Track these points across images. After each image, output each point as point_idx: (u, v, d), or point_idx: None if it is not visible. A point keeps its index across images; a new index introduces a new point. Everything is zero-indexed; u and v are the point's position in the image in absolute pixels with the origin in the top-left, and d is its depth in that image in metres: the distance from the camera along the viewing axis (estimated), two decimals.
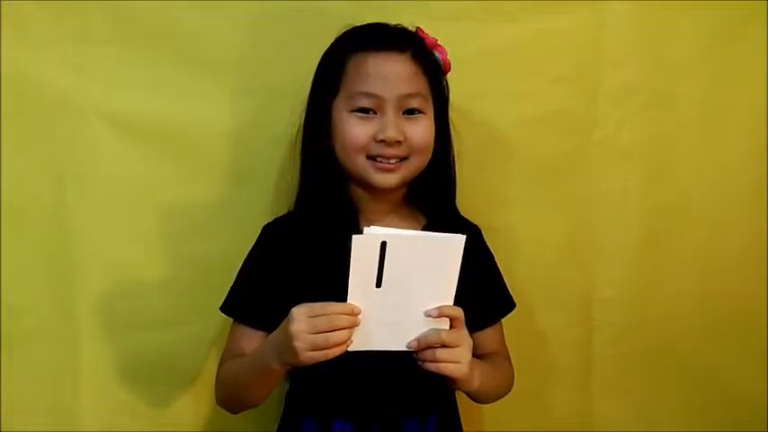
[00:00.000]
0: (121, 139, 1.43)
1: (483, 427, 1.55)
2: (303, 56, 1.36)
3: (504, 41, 1.52)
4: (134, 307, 1.46)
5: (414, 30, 1.32)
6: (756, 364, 1.65)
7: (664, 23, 1.55)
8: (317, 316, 1.06)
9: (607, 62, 1.55)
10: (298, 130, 1.34)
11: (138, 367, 1.47)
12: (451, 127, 1.35)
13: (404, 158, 1.25)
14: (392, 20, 1.32)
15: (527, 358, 1.43)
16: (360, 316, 1.08)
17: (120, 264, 1.45)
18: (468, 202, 1.41)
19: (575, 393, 1.61)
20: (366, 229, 1.06)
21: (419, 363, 1.13)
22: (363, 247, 1.05)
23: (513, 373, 1.38)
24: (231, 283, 1.32)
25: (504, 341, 1.40)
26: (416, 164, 1.27)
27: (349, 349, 1.10)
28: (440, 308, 1.11)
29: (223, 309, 1.32)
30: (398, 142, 1.23)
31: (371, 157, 1.25)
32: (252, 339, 1.25)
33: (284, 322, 1.10)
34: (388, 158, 1.24)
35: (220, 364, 1.31)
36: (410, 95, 1.25)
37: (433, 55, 1.31)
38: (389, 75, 1.24)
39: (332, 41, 1.31)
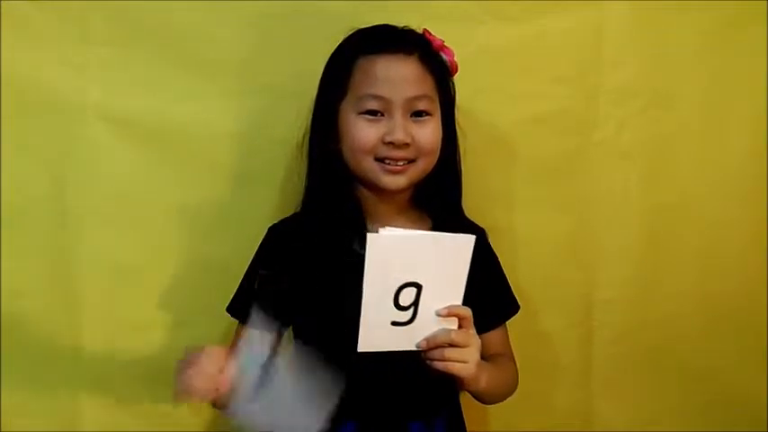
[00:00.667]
0: (122, 139, 1.43)
1: (484, 427, 1.55)
2: (307, 56, 1.36)
3: (504, 42, 1.53)
4: (136, 308, 1.46)
5: (421, 31, 1.32)
6: (756, 363, 1.65)
7: (664, 24, 1.55)
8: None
9: (607, 62, 1.55)
10: (304, 133, 1.34)
11: (139, 368, 1.47)
12: (458, 128, 1.35)
13: (411, 161, 1.25)
14: (394, 20, 1.32)
15: (528, 358, 1.43)
16: (370, 311, 1.08)
17: (121, 265, 1.45)
18: (468, 202, 1.41)
19: (575, 393, 1.62)
20: (381, 230, 1.07)
21: (427, 362, 1.14)
22: (378, 246, 1.06)
23: (517, 375, 1.38)
24: (236, 285, 1.32)
25: (509, 343, 1.40)
26: (424, 166, 1.27)
27: (359, 350, 1.10)
28: (449, 307, 1.12)
29: (229, 310, 1.32)
30: (406, 144, 1.24)
31: (379, 160, 1.25)
32: None
33: None
34: (396, 161, 1.24)
35: None
36: (417, 98, 1.25)
37: (440, 57, 1.31)
38: (397, 77, 1.25)
39: (339, 43, 1.31)
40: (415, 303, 1.10)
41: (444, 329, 1.13)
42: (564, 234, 1.59)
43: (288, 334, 1.29)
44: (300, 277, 1.22)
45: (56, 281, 1.43)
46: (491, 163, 1.53)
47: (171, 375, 1.45)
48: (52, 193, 1.42)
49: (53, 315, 1.44)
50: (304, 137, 1.34)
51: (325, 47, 1.32)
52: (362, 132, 1.24)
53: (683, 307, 1.63)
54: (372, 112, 1.24)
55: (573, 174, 1.58)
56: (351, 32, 1.31)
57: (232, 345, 1.29)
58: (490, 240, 1.41)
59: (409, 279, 1.09)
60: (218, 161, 1.46)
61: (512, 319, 1.41)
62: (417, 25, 1.33)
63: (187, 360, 1.11)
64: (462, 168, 1.38)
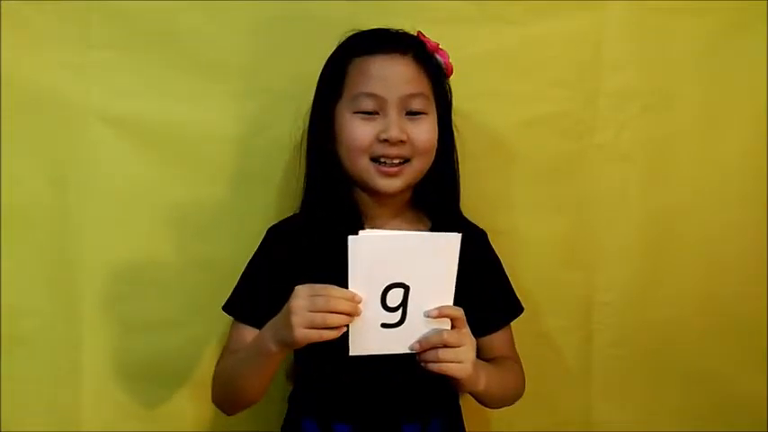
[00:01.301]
0: (122, 141, 1.44)
1: (484, 428, 1.55)
2: (305, 59, 1.37)
3: (504, 44, 1.53)
4: (136, 308, 1.47)
5: (415, 34, 1.32)
6: (757, 365, 1.64)
7: (663, 26, 1.55)
8: (318, 295, 1.06)
9: (607, 65, 1.55)
10: (302, 135, 1.35)
11: (139, 368, 1.48)
12: (455, 131, 1.35)
13: (407, 160, 1.25)
14: (393, 23, 1.33)
15: (528, 360, 1.43)
16: (360, 315, 1.08)
17: (121, 265, 1.46)
18: (468, 204, 1.41)
19: (575, 395, 1.61)
20: (361, 232, 1.06)
21: (422, 365, 1.13)
22: (360, 249, 1.06)
23: (523, 377, 1.38)
24: (234, 285, 1.32)
25: (514, 345, 1.40)
26: (419, 166, 1.27)
27: (351, 354, 1.10)
28: (440, 308, 1.12)
29: (225, 308, 1.32)
30: (402, 142, 1.24)
31: (375, 159, 1.25)
32: (251, 339, 1.24)
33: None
34: (392, 158, 1.24)
35: (218, 363, 1.31)
36: (412, 96, 1.25)
37: (435, 58, 1.32)
38: (391, 76, 1.25)
39: (335, 47, 1.31)
40: (404, 304, 1.10)
41: (436, 330, 1.12)
42: (564, 236, 1.59)
43: None
44: (297, 278, 1.22)
45: (56, 281, 1.44)
46: (491, 165, 1.53)
47: (173, 375, 1.48)
48: (53, 193, 1.43)
49: (53, 315, 1.44)
50: (302, 139, 1.35)
51: (323, 50, 1.32)
52: (358, 131, 1.24)
53: (683, 309, 1.62)
54: (367, 111, 1.25)
55: (573, 176, 1.58)
56: (347, 35, 1.31)
57: (228, 342, 1.30)
58: (491, 242, 1.41)
59: (395, 280, 1.08)
60: (218, 162, 1.46)
61: (513, 321, 1.41)
62: (416, 28, 1.34)
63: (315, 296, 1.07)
64: (462, 171, 1.38)
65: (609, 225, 1.59)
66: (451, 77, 1.35)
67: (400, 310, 1.10)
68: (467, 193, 1.40)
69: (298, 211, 1.36)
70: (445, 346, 1.12)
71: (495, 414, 1.46)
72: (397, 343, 1.12)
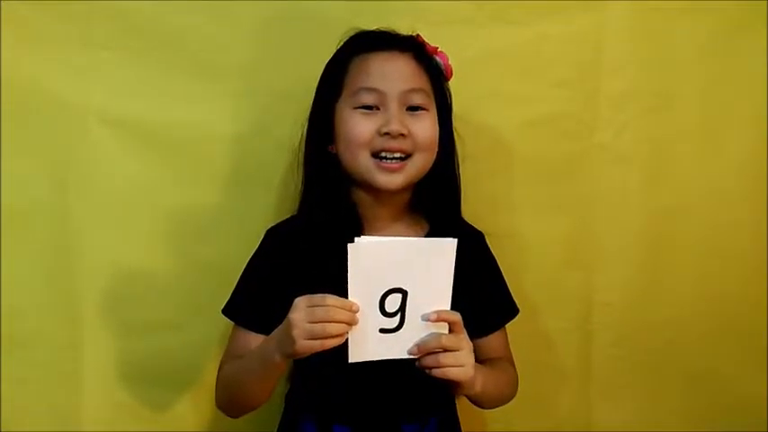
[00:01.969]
0: (123, 142, 1.44)
1: (482, 428, 1.55)
2: (306, 60, 1.37)
3: (504, 45, 1.53)
4: (136, 310, 1.47)
5: (415, 36, 1.32)
6: (757, 366, 1.64)
7: (663, 27, 1.55)
8: (316, 306, 1.07)
9: (607, 65, 1.55)
10: (301, 136, 1.34)
11: (139, 370, 1.48)
12: (455, 134, 1.35)
13: (408, 156, 1.25)
14: (393, 23, 1.33)
15: (527, 360, 1.43)
16: (358, 321, 1.08)
17: (121, 267, 1.46)
18: (468, 206, 1.40)
19: (575, 395, 1.61)
20: (358, 239, 1.07)
21: (423, 370, 1.13)
22: (359, 255, 1.06)
23: (516, 379, 1.38)
24: (233, 287, 1.32)
25: (509, 346, 1.40)
26: (420, 163, 1.27)
27: (350, 361, 1.10)
28: (438, 313, 1.12)
29: (225, 312, 1.32)
30: (402, 135, 1.23)
31: (376, 155, 1.24)
32: (253, 343, 1.25)
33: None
34: (393, 152, 1.24)
35: (220, 367, 1.31)
36: (413, 90, 1.25)
37: (435, 60, 1.32)
38: (392, 71, 1.25)
39: (335, 47, 1.31)
40: (402, 309, 1.10)
41: (434, 334, 1.12)
42: (564, 237, 1.59)
43: None
44: (296, 280, 1.22)
45: (56, 281, 1.44)
46: (491, 166, 1.53)
47: (173, 377, 1.48)
48: (53, 195, 1.43)
49: (54, 316, 1.44)
50: (302, 140, 1.34)
51: (323, 51, 1.32)
52: (358, 126, 1.24)
53: (683, 309, 1.62)
54: (368, 106, 1.25)
55: (573, 177, 1.58)
56: (346, 35, 1.31)
57: (229, 346, 1.30)
58: (489, 244, 1.41)
59: (393, 285, 1.09)
60: (218, 163, 1.46)
61: (513, 322, 1.41)
62: (416, 28, 1.34)
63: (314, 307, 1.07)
64: (462, 171, 1.38)
65: (609, 225, 1.59)
66: (451, 78, 1.34)
67: (398, 316, 1.11)
68: (466, 194, 1.40)
69: (296, 213, 1.36)
70: (444, 350, 1.12)
71: (493, 414, 1.46)
72: (396, 348, 1.12)
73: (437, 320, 1.12)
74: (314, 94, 1.32)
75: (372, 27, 1.32)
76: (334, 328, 1.06)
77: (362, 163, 1.25)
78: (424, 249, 1.11)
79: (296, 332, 1.07)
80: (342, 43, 1.31)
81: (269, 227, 1.35)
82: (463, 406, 1.37)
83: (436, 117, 1.29)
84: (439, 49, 1.33)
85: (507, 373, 1.36)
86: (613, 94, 1.56)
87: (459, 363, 1.13)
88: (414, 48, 1.29)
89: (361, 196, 1.30)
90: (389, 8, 1.43)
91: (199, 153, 1.46)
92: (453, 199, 1.36)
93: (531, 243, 1.57)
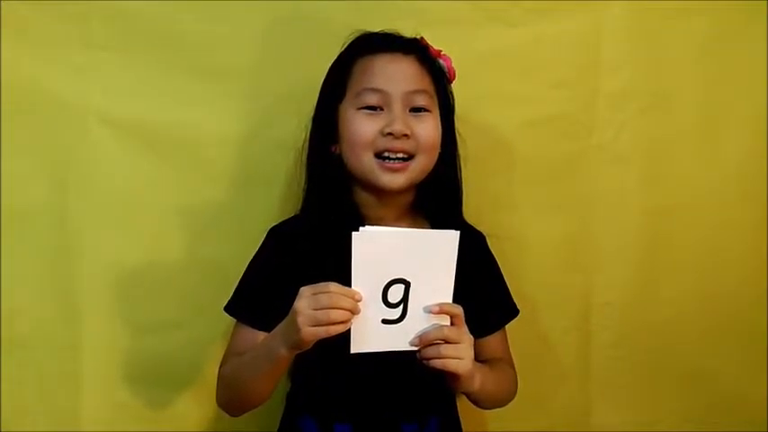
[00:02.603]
0: (123, 142, 1.44)
1: (483, 428, 1.55)
2: (308, 61, 1.38)
3: (503, 46, 1.53)
4: (136, 310, 1.47)
5: (419, 38, 1.33)
6: (756, 365, 1.65)
7: (662, 27, 1.56)
8: (320, 293, 1.08)
9: (606, 66, 1.56)
10: (305, 137, 1.35)
11: (140, 369, 1.48)
12: (457, 136, 1.35)
13: (410, 157, 1.26)
14: (394, 24, 1.33)
15: (527, 361, 1.44)
16: (361, 310, 1.09)
17: (121, 266, 1.46)
18: (467, 206, 1.41)
19: (574, 396, 1.61)
20: (362, 228, 1.08)
21: (423, 361, 1.14)
22: (363, 244, 1.07)
23: (516, 380, 1.38)
24: (234, 287, 1.32)
25: (508, 348, 1.40)
26: (423, 163, 1.27)
27: (352, 351, 1.10)
28: (440, 305, 1.13)
29: (227, 309, 1.32)
30: (405, 136, 1.24)
31: (379, 155, 1.25)
32: (254, 340, 1.25)
33: None
34: (396, 153, 1.25)
35: (222, 365, 1.30)
36: (416, 92, 1.26)
37: (438, 62, 1.32)
38: (395, 72, 1.26)
39: (337, 49, 1.32)
40: (404, 300, 1.11)
41: (436, 326, 1.13)
42: (563, 237, 1.59)
43: None
44: (298, 278, 1.22)
45: (56, 281, 1.44)
46: (490, 167, 1.53)
47: (173, 376, 1.48)
48: (53, 195, 1.43)
49: (53, 316, 1.44)
50: (305, 140, 1.35)
51: (325, 51, 1.33)
52: (362, 127, 1.25)
53: (682, 309, 1.62)
54: (372, 107, 1.25)
55: (572, 177, 1.58)
56: (351, 37, 1.32)
57: (231, 344, 1.31)
58: (489, 244, 1.41)
59: (396, 276, 1.10)
60: (219, 164, 1.47)
61: (512, 321, 1.41)
62: (417, 29, 1.34)
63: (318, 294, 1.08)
64: (462, 172, 1.38)
65: (608, 225, 1.59)
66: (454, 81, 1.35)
67: (401, 307, 1.11)
68: (466, 194, 1.40)
69: (299, 213, 1.36)
70: (445, 341, 1.13)
71: (493, 414, 1.46)
72: (398, 339, 1.13)
73: (439, 312, 1.12)
74: (317, 95, 1.32)
75: (374, 29, 1.33)
76: (337, 314, 1.07)
77: (365, 163, 1.25)
78: (427, 240, 1.12)
79: (301, 319, 1.08)
80: (346, 45, 1.32)
81: (271, 226, 1.34)
82: (463, 406, 1.37)
83: (439, 118, 1.29)
84: (442, 52, 1.34)
85: (506, 373, 1.37)
86: (612, 94, 1.56)
87: (459, 355, 1.13)
88: (417, 50, 1.30)
89: (364, 197, 1.30)
90: (390, 10, 1.44)
91: (199, 153, 1.46)
92: (455, 200, 1.36)
93: (529, 243, 1.57)
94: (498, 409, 1.37)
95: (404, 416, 1.28)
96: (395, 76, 1.26)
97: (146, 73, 1.44)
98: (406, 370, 1.17)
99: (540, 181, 1.57)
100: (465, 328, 1.15)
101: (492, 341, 1.36)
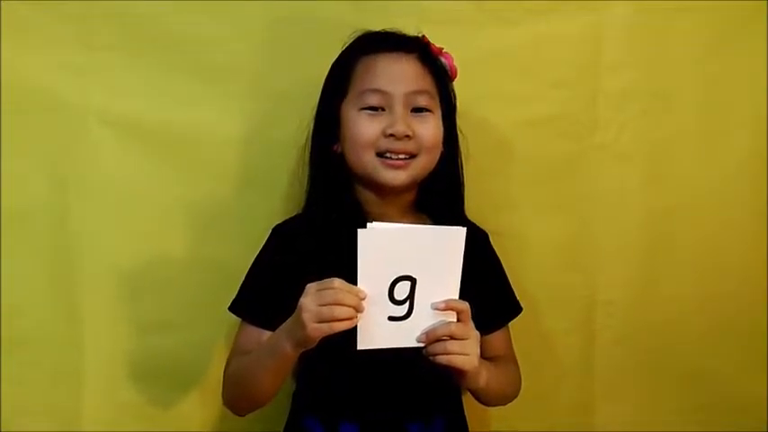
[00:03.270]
0: (123, 143, 1.44)
1: (486, 427, 1.55)
2: (310, 60, 1.38)
3: (504, 45, 1.53)
4: (137, 309, 1.47)
5: (421, 36, 1.33)
6: (757, 365, 1.65)
7: (662, 26, 1.56)
8: (325, 289, 1.08)
9: (607, 65, 1.56)
10: (306, 136, 1.35)
11: (141, 369, 1.47)
12: (459, 134, 1.35)
13: (413, 156, 1.26)
14: (395, 24, 1.33)
15: (529, 360, 1.44)
16: (366, 308, 1.08)
17: (122, 266, 1.45)
18: (468, 205, 1.41)
19: (577, 395, 1.61)
20: (370, 224, 1.07)
21: (429, 357, 1.14)
22: (369, 241, 1.07)
23: (519, 377, 1.39)
24: (237, 286, 1.32)
25: (512, 345, 1.40)
26: (424, 163, 1.28)
27: (359, 348, 1.10)
28: (447, 301, 1.12)
29: (232, 308, 1.31)
30: (407, 137, 1.24)
31: (381, 155, 1.25)
32: (260, 339, 1.25)
33: None
34: (397, 153, 1.25)
35: (228, 363, 1.30)
36: (418, 92, 1.26)
37: (440, 60, 1.32)
38: (397, 73, 1.26)
39: (339, 48, 1.32)
40: (411, 297, 1.11)
41: (443, 322, 1.13)
42: (565, 236, 1.59)
43: None
44: (302, 277, 1.22)
45: (56, 281, 1.44)
46: (491, 166, 1.53)
47: (176, 376, 1.48)
48: (53, 194, 1.43)
49: (54, 315, 1.44)
50: (306, 139, 1.35)
51: (326, 51, 1.33)
52: (364, 127, 1.25)
53: (683, 309, 1.62)
54: (373, 108, 1.26)
55: (573, 176, 1.58)
56: (353, 36, 1.32)
57: (236, 343, 1.30)
58: (492, 243, 1.41)
59: (403, 272, 1.09)
60: (220, 164, 1.46)
61: (514, 321, 1.41)
62: (418, 29, 1.34)
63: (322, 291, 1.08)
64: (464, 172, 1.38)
65: (609, 225, 1.59)
66: (456, 79, 1.35)
67: (407, 303, 1.11)
68: (466, 194, 1.40)
69: (302, 212, 1.36)
70: (451, 338, 1.13)
71: (496, 413, 1.47)
72: (404, 336, 1.13)
73: (446, 309, 1.12)
74: (319, 94, 1.32)
75: (375, 27, 1.33)
76: (341, 311, 1.07)
77: (367, 162, 1.26)
78: (434, 237, 1.12)
79: (306, 315, 1.07)
80: (348, 44, 1.32)
81: (274, 225, 1.34)
82: (466, 405, 1.37)
83: (440, 118, 1.30)
84: (444, 50, 1.34)
85: (511, 371, 1.37)
86: (613, 94, 1.56)
87: (466, 351, 1.13)
88: (419, 49, 1.30)
89: (367, 195, 1.30)
90: (391, 9, 1.43)
91: (199, 153, 1.46)
92: (457, 198, 1.37)
93: (530, 242, 1.57)
94: (501, 408, 1.37)
95: (409, 415, 1.28)
96: (397, 77, 1.26)
97: (146, 73, 1.43)
98: (411, 369, 1.17)
99: (541, 181, 1.57)
100: (471, 325, 1.15)
101: (495, 339, 1.36)
